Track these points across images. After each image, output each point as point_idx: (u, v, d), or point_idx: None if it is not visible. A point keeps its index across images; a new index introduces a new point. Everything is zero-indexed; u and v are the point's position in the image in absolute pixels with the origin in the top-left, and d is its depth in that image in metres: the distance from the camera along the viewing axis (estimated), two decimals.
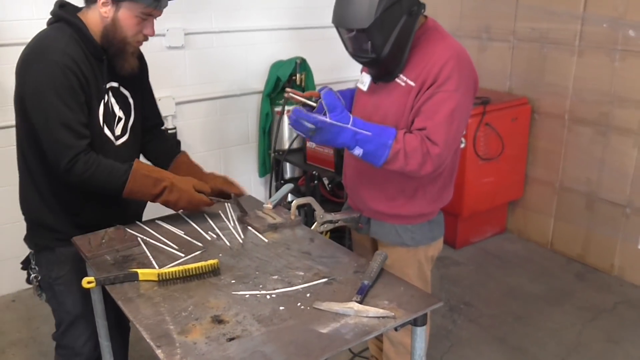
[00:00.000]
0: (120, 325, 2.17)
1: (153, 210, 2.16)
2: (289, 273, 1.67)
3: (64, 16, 1.84)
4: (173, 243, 1.87)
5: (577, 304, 3.35)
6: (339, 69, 4.34)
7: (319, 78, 4.15)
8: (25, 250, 2.09)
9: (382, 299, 1.53)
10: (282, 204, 2.16)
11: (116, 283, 1.62)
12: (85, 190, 1.86)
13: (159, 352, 1.33)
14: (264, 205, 2.12)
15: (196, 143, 3.86)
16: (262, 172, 4.20)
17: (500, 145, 3.83)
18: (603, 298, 3.41)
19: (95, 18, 1.85)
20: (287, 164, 4.02)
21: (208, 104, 3.95)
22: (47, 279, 2.01)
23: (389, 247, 2.04)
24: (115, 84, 1.96)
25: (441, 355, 2.89)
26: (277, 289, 1.59)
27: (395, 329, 1.47)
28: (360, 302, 1.49)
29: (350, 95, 2.17)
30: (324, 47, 4.23)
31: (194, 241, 1.89)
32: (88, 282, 1.61)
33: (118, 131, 1.98)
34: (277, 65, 4.05)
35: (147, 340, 1.38)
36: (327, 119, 1.71)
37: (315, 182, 3.66)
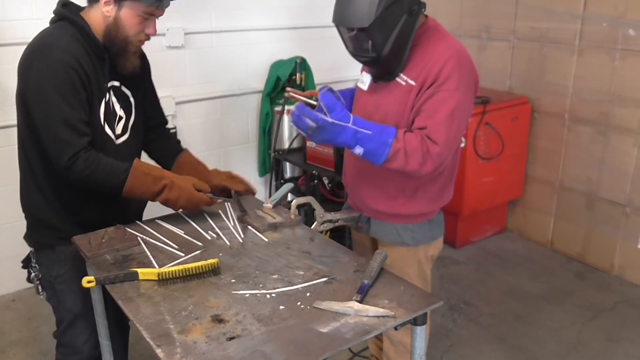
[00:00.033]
0: (120, 324, 2.17)
1: (153, 209, 2.16)
2: (289, 272, 1.68)
3: (66, 15, 1.85)
4: (173, 242, 1.87)
5: (577, 303, 3.35)
6: (339, 68, 4.33)
7: (319, 77, 4.15)
8: (25, 250, 2.10)
9: (382, 298, 1.53)
10: (282, 204, 2.16)
11: (116, 282, 1.62)
12: (86, 189, 1.87)
13: (159, 351, 1.33)
14: (264, 205, 2.12)
15: (196, 142, 3.85)
16: (262, 171, 4.20)
17: (500, 145, 3.83)
18: (603, 297, 3.41)
19: (98, 17, 1.85)
20: (287, 164, 4.02)
21: (208, 104, 3.95)
22: (48, 278, 2.01)
23: (389, 247, 2.04)
24: (116, 83, 1.96)
25: (441, 355, 2.89)
26: (277, 288, 1.59)
27: (395, 328, 1.47)
28: (360, 302, 1.49)
29: (350, 95, 2.17)
30: (324, 47, 4.23)
31: (194, 240, 1.89)
32: (88, 281, 1.61)
33: (119, 130, 1.98)
34: (277, 65, 4.05)
35: (147, 339, 1.38)
36: (328, 118, 1.71)
37: (315, 181, 3.66)
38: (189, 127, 3.85)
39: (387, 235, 2.06)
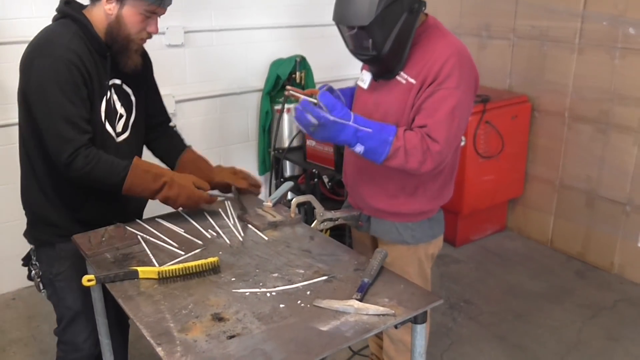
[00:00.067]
0: (120, 323, 2.17)
1: (153, 208, 2.16)
2: (289, 271, 1.68)
3: (69, 12, 1.86)
4: (173, 241, 1.87)
5: (577, 301, 3.36)
6: (339, 67, 4.33)
7: (318, 76, 4.15)
8: (25, 249, 2.10)
9: (382, 296, 1.53)
10: (282, 202, 2.16)
11: (116, 281, 1.62)
12: (86, 186, 1.87)
13: (159, 349, 1.33)
14: (264, 203, 2.12)
15: (196, 141, 3.80)
16: (262, 170, 4.20)
17: (500, 143, 3.83)
18: (603, 296, 3.42)
19: (100, 15, 1.86)
20: (287, 162, 4.02)
21: (208, 102, 3.95)
22: (48, 275, 2.02)
23: (389, 245, 2.04)
24: (118, 81, 1.97)
25: (441, 353, 2.89)
26: (277, 286, 1.59)
27: (396, 327, 1.47)
28: (361, 300, 1.49)
29: (350, 94, 2.17)
30: (324, 45, 4.23)
31: (194, 239, 1.89)
32: (88, 280, 1.61)
33: (119, 128, 1.99)
34: (277, 64, 4.04)
35: (148, 338, 1.38)
36: (330, 116, 1.71)
37: (315, 180, 3.66)
38: (189, 125, 3.85)
39: (387, 233, 2.06)
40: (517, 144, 3.96)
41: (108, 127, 1.94)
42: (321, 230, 2.01)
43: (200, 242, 1.87)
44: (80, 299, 2.00)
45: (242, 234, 1.92)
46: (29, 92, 1.81)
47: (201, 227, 1.97)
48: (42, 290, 2.07)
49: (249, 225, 1.98)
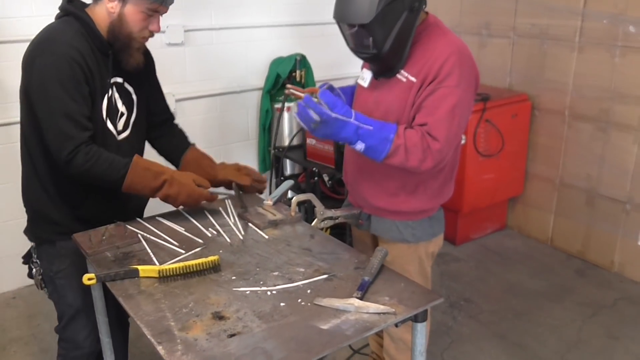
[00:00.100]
0: (121, 321, 2.18)
1: (154, 207, 2.16)
2: (289, 269, 1.68)
3: (71, 10, 1.87)
4: (173, 240, 1.87)
5: (577, 300, 3.36)
6: (339, 65, 4.33)
7: (318, 75, 4.15)
8: (25, 247, 2.10)
9: (383, 295, 1.53)
10: (283, 201, 2.16)
11: (117, 280, 1.62)
12: (86, 183, 1.87)
13: (159, 348, 1.34)
14: (264, 202, 2.12)
15: (196, 140, 3.79)
16: (262, 168, 4.20)
17: (501, 142, 3.83)
18: (603, 294, 3.42)
19: (102, 13, 1.87)
20: (287, 161, 4.02)
21: (208, 101, 3.95)
22: (49, 273, 2.02)
23: (390, 244, 2.04)
24: (119, 80, 1.97)
25: (441, 352, 2.89)
26: (278, 285, 1.59)
27: (396, 325, 1.47)
28: (361, 299, 1.49)
29: (350, 92, 2.17)
30: (324, 44, 4.23)
31: (195, 238, 1.89)
32: (89, 278, 1.61)
33: (120, 126, 1.99)
34: (277, 62, 4.04)
35: (148, 336, 1.38)
36: (332, 113, 1.71)
37: (316, 178, 3.66)
38: (189, 124, 3.80)
39: (387, 232, 2.06)
40: (517, 142, 3.96)
41: (109, 125, 1.94)
42: (321, 229, 2.01)
43: (200, 240, 1.87)
44: (80, 297, 2.00)
45: (243, 233, 1.92)
46: (31, 89, 1.81)
47: (202, 225, 1.97)
48: (43, 289, 2.08)
49: (250, 224, 1.99)
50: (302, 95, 1.80)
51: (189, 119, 3.85)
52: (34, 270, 2.06)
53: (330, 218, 2.05)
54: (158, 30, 1.93)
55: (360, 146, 1.77)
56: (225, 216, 2.05)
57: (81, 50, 1.81)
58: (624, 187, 3.50)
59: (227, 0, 3.84)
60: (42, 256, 2.03)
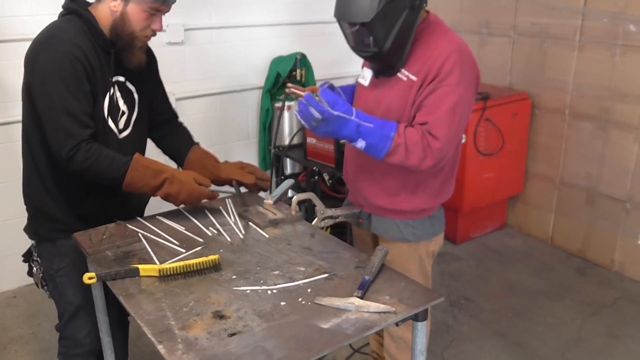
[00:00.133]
0: (121, 320, 2.18)
1: (154, 206, 2.16)
2: (290, 268, 1.68)
3: (74, 9, 1.88)
4: (174, 239, 1.87)
5: (578, 299, 3.36)
6: (339, 64, 4.33)
7: (319, 74, 4.15)
8: (26, 246, 2.10)
9: (383, 294, 1.53)
10: (283, 200, 2.16)
11: (117, 279, 1.62)
12: (87, 181, 1.87)
13: (160, 347, 1.34)
14: (264, 201, 2.11)
15: (196, 139, 3.83)
16: (263, 167, 4.20)
17: (501, 141, 3.83)
18: (603, 293, 3.42)
19: (105, 12, 1.87)
20: (288, 160, 4.02)
21: (208, 100, 3.95)
22: (49, 271, 2.02)
23: (390, 243, 2.04)
24: (121, 78, 1.97)
25: (442, 351, 2.89)
26: (278, 284, 1.59)
27: (397, 324, 1.47)
28: (361, 298, 1.49)
29: (350, 92, 2.17)
30: (324, 43, 4.22)
31: (195, 237, 1.89)
32: (89, 277, 1.61)
33: (121, 125, 1.99)
34: (277, 61, 4.04)
35: (149, 335, 1.38)
36: (334, 111, 1.72)
37: (316, 177, 3.66)
38: (189, 123, 3.77)
39: (388, 231, 2.06)
40: (517, 141, 3.96)
41: (110, 123, 1.94)
42: (322, 228, 2.01)
43: (201, 239, 1.87)
44: (81, 295, 2.01)
45: (243, 232, 1.92)
46: (33, 87, 1.82)
47: (202, 224, 1.97)
48: (44, 287, 2.08)
49: (250, 223, 1.98)
50: (302, 94, 1.80)
51: (189, 118, 3.83)
52: (35, 268, 2.07)
53: (331, 217, 2.05)
54: (160, 30, 1.93)
55: (360, 144, 1.78)
56: (226, 215, 2.05)
57: (83, 48, 1.81)
58: (624, 186, 3.50)
59: None
60: (43, 254, 2.03)
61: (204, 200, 2.02)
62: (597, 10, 3.45)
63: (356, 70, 2.18)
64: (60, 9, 1.92)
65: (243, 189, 2.19)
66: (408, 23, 1.79)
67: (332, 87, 1.97)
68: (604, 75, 3.48)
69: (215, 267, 1.67)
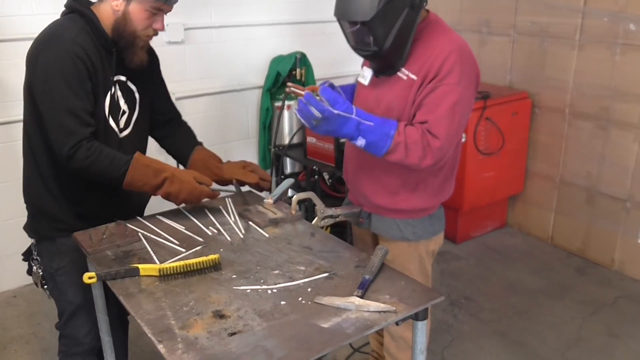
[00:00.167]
0: (121, 319, 2.18)
1: (155, 206, 2.16)
2: (290, 268, 1.68)
3: (76, 8, 1.88)
4: (174, 238, 1.87)
5: (578, 298, 3.36)
6: (339, 63, 4.33)
7: (319, 73, 4.14)
8: (26, 246, 2.10)
9: (383, 293, 1.53)
10: (283, 199, 2.16)
11: (117, 278, 1.62)
12: (87, 179, 1.87)
13: (160, 347, 1.34)
14: (264, 200, 2.11)
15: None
16: (263, 167, 4.19)
17: (501, 140, 3.83)
18: (603, 292, 3.42)
19: (107, 11, 1.88)
20: (288, 159, 4.02)
21: (208, 99, 3.95)
22: (49, 270, 2.02)
23: (390, 242, 2.04)
24: (122, 78, 1.98)
25: (442, 350, 2.89)
26: (278, 283, 1.59)
27: (397, 324, 1.47)
28: (362, 297, 1.49)
29: (350, 91, 2.17)
30: (324, 42, 4.22)
31: (195, 236, 1.89)
32: (89, 277, 1.61)
33: (122, 124, 1.99)
34: (277, 60, 4.04)
35: (149, 335, 1.38)
36: (334, 110, 1.71)
37: (316, 177, 3.66)
38: (189, 122, 3.80)
39: (388, 230, 2.06)
40: (517, 140, 3.96)
41: (111, 122, 1.95)
42: (322, 227, 2.01)
43: (201, 239, 1.87)
44: (80, 294, 2.01)
45: (243, 231, 1.92)
46: (35, 85, 1.82)
47: (202, 224, 1.97)
48: (43, 287, 2.08)
49: (250, 222, 1.98)
50: (302, 93, 1.80)
51: (189, 118, 3.79)
52: (34, 267, 2.07)
53: (331, 216, 2.05)
54: (162, 29, 1.94)
55: (361, 142, 1.78)
56: (226, 215, 2.04)
57: (85, 47, 1.82)
58: (624, 185, 3.50)
59: None
60: (42, 253, 2.03)
61: (205, 200, 2.02)
62: (597, 9, 3.45)
63: (356, 69, 2.18)
64: (60, 8, 1.93)
65: (244, 188, 2.19)
66: (408, 22, 1.79)
67: (332, 86, 1.97)
68: (604, 74, 3.48)
69: (215, 266, 1.67)
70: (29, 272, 2.10)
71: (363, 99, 2.02)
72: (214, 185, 2.06)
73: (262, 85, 4.07)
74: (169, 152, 2.26)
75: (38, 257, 2.05)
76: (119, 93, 1.97)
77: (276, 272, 1.65)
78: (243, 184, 2.16)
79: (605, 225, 3.65)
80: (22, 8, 3.14)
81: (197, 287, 1.58)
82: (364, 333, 1.40)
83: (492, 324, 3.12)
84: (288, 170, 4.09)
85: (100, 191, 1.96)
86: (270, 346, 1.32)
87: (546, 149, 3.94)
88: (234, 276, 1.63)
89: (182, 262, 1.65)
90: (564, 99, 3.73)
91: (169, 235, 1.88)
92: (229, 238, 1.88)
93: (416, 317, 1.51)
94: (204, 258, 1.66)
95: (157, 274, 1.63)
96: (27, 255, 2.10)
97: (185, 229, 1.94)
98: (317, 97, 1.74)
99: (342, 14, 1.81)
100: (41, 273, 2.05)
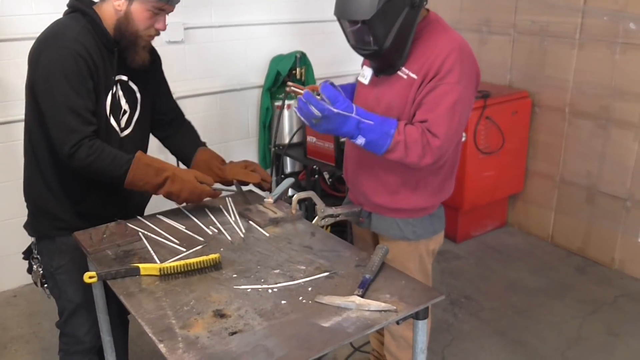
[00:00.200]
0: (122, 319, 2.18)
1: (155, 204, 2.16)
2: (290, 267, 1.68)
3: (79, 7, 1.89)
4: (174, 238, 1.87)
5: (578, 297, 3.36)
6: (339, 63, 4.33)
7: (319, 72, 4.14)
8: (26, 246, 2.10)
9: (384, 292, 1.54)
10: (283, 199, 2.16)
11: (118, 278, 1.62)
12: (88, 178, 1.87)
13: (161, 346, 1.34)
14: (265, 200, 2.11)
15: None
16: (263, 166, 4.17)
17: (501, 139, 3.83)
18: (603, 291, 3.42)
19: (109, 11, 1.88)
20: (288, 159, 4.02)
21: (208, 99, 3.95)
22: (49, 269, 2.03)
23: (390, 241, 2.04)
24: (124, 78, 1.98)
25: (442, 349, 2.90)
26: (279, 283, 1.59)
27: (397, 323, 1.47)
28: (362, 296, 1.49)
29: (350, 90, 2.17)
30: (324, 41, 4.22)
31: (195, 236, 1.89)
32: (90, 277, 1.61)
33: (123, 123, 2.00)
34: (277, 60, 4.04)
35: (150, 334, 1.38)
36: (334, 108, 1.71)
37: (316, 176, 3.66)
38: None
39: (388, 229, 2.06)
40: (517, 139, 3.95)
41: (112, 121, 1.95)
42: (322, 227, 2.01)
43: (201, 238, 1.87)
44: (81, 293, 2.01)
45: (244, 231, 1.92)
46: (36, 84, 1.82)
47: (202, 223, 1.97)
48: (43, 286, 2.08)
49: (250, 222, 1.99)
50: (302, 92, 1.80)
51: (189, 117, 3.78)
52: (34, 266, 2.07)
53: (331, 216, 2.05)
54: (164, 29, 1.94)
55: (360, 140, 1.78)
56: (226, 214, 2.05)
57: (87, 46, 1.82)
58: (624, 184, 3.50)
59: None
60: (42, 251, 2.04)
61: (206, 199, 2.02)
62: (597, 8, 3.45)
63: (356, 68, 2.18)
64: (61, 8, 1.93)
65: (246, 187, 2.19)
66: (408, 21, 1.79)
67: (332, 85, 1.97)
68: (604, 73, 3.48)
69: (215, 265, 1.67)
70: (29, 270, 2.10)
71: (363, 98, 2.02)
72: (216, 185, 2.06)
73: (262, 84, 4.07)
74: (172, 152, 2.26)
75: (38, 256, 2.05)
76: (121, 92, 1.97)
77: (277, 271, 1.65)
78: (245, 183, 2.16)
79: (605, 224, 3.65)
80: (22, 8, 3.14)
81: (197, 287, 1.58)
82: (365, 332, 1.40)
83: (493, 323, 3.12)
84: (288, 169, 4.09)
85: (101, 190, 1.97)
86: (271, 345, 1.33)
87: (546, 148, 3.94)
88: (235, 275, 1.64)
89: (182, 262, 1.65)
90: (564, 98, 3.73)
91: (170, 235, 1.88)
92: (229, 237, 1.88)
93: (417, 316, 1.51)
94: (204, 257, 1.66)
95: (158, 273, 1.63)
96: (27, 254, 2.10)
97: (185, 229, 1.94)
98: (317, 96, 1.74)
99: (342, 13, 1.81)
100: (41, 272, 2.06)
